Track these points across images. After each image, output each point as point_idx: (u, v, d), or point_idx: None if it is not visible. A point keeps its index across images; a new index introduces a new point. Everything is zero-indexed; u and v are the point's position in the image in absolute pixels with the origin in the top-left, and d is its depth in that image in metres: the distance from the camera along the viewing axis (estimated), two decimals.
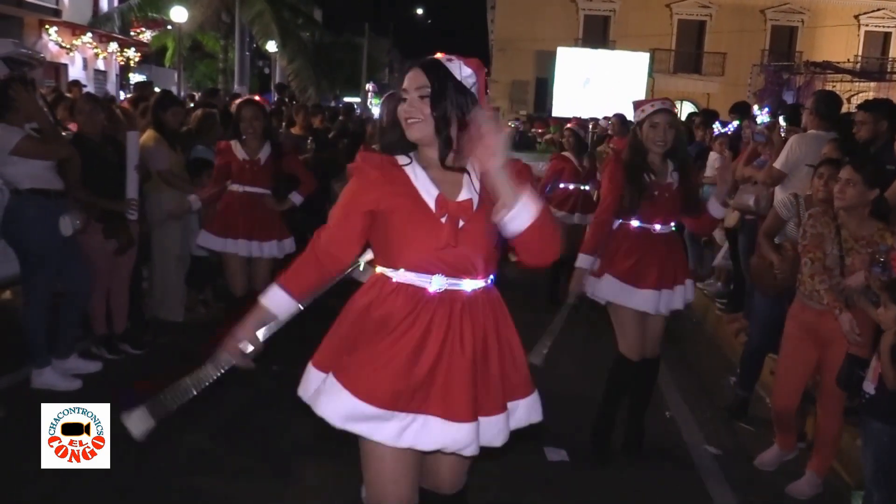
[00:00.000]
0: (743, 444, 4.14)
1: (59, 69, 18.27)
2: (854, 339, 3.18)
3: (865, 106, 4.88)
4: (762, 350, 4.54)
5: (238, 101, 4.61)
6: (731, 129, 7.32)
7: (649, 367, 3.77)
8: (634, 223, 3.57)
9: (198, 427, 3.79)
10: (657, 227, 3.57)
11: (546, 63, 27.41)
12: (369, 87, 20.30)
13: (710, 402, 4.73)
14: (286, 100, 12.75)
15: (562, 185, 6.81)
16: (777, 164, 4.84)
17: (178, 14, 19.56)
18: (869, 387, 3.00)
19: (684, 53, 29.70)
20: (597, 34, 29.51)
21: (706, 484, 3.65)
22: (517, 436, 2.13)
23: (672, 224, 3.65)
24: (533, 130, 14.46)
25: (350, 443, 2.07)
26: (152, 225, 5.27)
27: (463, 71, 2.00)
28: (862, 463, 3.19)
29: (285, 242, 4.67)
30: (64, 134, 5.43)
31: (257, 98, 4.90)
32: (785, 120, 6.31)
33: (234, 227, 4.49)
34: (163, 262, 5.53)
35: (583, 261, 3.59)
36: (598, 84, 25.67)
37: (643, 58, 26.80)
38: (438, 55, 2.03)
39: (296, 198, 4.77)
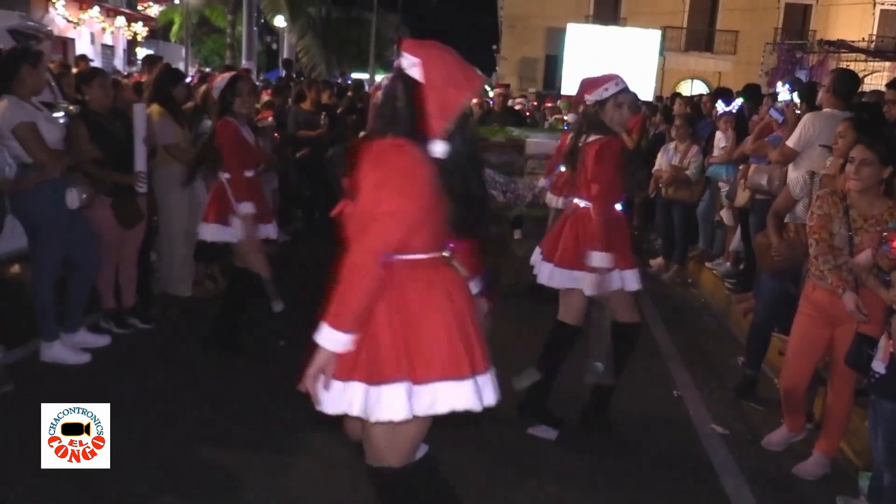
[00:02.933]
0: (751, 424, 4.14)
1: (66, 43, 18.20)
2: (860, 318, 3.16)
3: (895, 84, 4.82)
4: (767, 327, 4.53)
5: (227, 75, 4.46)
6: (736, 108, 7.21)
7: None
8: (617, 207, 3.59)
9: (205, 400, 3.82)
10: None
11: (556, 40, 27.12)
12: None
13: (718, 382, 4.72)
14: (294, 76, 12.68)
15: (563, 168, 6.52)
16: (790, 143, 4.78)
17: None
18: (879, 366, 2.98)
19: (696, 31, 29.34)
20: (608, 11, 29.15)
21: (713, 463, 3.65)
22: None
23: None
24: (543, 107, 14.34)
25: None
26: (159, 199, 5.26)
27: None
28: (870, 444, 3.18)
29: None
30: (72, 108, 5.42)
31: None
32: (799, 97, 6.22)
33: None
34: (170, 236, 5.54)
35: (602, 259, 3.46)
36: (609, 62, 25.44)
37: (654, 35, 26.42)
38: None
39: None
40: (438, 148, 2.00)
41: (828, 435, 3.59)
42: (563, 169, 6.26)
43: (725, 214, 6.82)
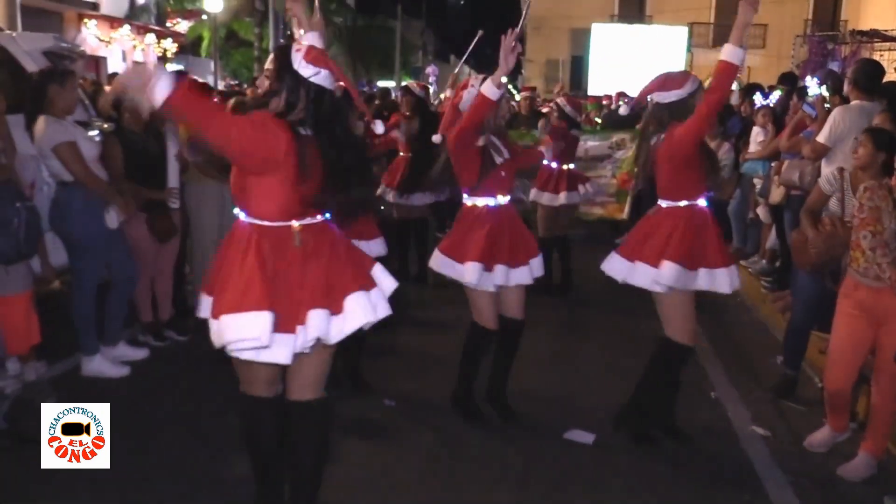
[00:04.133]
0: (792, 424, 4.06)
1: (98, 62, 18.56)
2: None
3: None
4: (805, 326, 4.46)
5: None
6: (775, 101, 7.10)
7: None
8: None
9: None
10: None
11: (581, 41, 27.01)
12: (429, 70, 20.16)
13: (756, 382, 4.65)
14: None
15: (545, 163, 6.17)
16: (820, 138, 4.69)
17: (213, 4, 19.63)
18: None
19: (724, 26, 28.88)
20: (633, 9, 28.93)
21: (755, 466, 3.59)
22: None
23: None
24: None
25: None
26: (192, 214, 5.33)
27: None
28: None
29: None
30: (106, 126, 5.52)
31: None
32: (828, 90, 6.10)
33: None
34: (202, 248, 5.60)
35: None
36: (636, 61, 25.22)
37: (681, 32, 26.24)
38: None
39: None
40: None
41: (874, 435, 3.51)
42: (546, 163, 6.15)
43: (761, 211, 6.72)
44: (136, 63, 2.88)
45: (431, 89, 12.46)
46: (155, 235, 4.69)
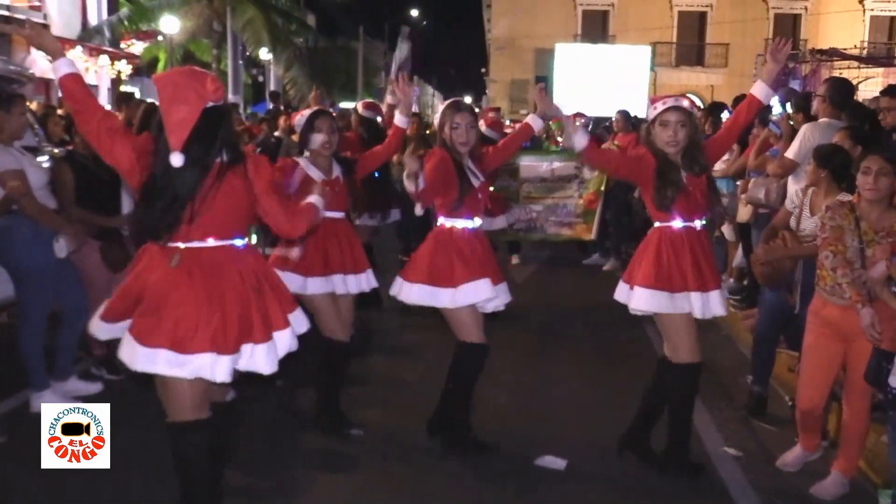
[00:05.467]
0: (764, 444, 4.10)
1: (48, 84, 18.27)
2: (872, 335, 3.14)
3: (890, 91, 4.86)
4: (770, 335, 4.56)
5: (307, 111, 4.05)
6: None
7: None
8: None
9: None
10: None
11: (546, 60, 27.40)
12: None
13: (728, 402, 4.70)
14: (282, 108, 12.75)
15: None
16: (789, 154, 4.80)
17: (169, 24, 19.54)
18: None
19: (686, 46, 29.67)
20: (596, 29, 29.51)
21: (728, 487, 3.61)
22: None
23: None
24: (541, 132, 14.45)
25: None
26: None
27: None
28: (889, 460, 3.15)
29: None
30: (56, 151, 5.42)
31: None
32: (792, 108, 6.26)
33: (323, 261, 3.91)
34: None
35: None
36: (600, 80, 25.64)
37: (644, 51, 26.77)
38: None
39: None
40: (175, 159, 2.52)
41: (846, 453, 3.56)
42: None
43: (726, 230, 6.83)
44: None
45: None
46: (108, 265, 4.59)
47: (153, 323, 2.53)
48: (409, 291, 3.72)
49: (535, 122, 4.07)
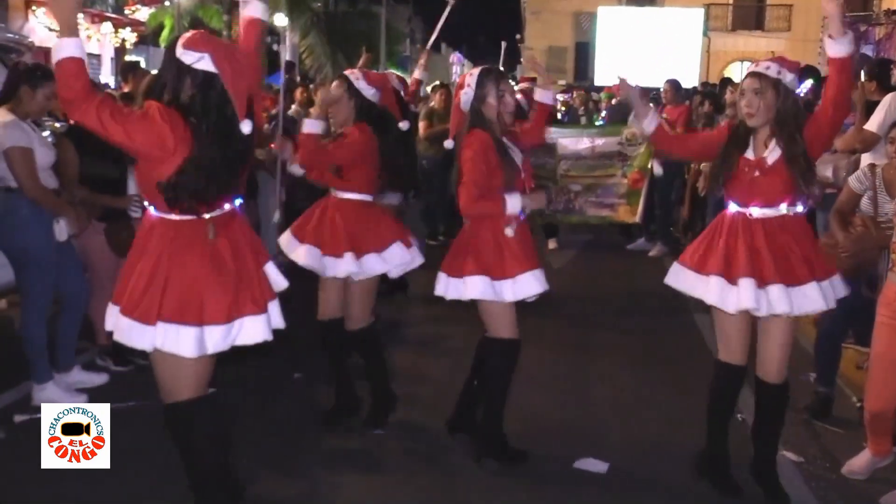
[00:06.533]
0: (827, 449, 4.06)
1: (48, 54, 18.54)
2: None
3: None
4: (835, 334, 4.48)
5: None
6: (804, 93, 7.12)
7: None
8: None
9: None
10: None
11: (586, 26, 27.16)
12: (453, 57, 20.04)
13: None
14: (298, 78, 12.79)
15: None
16: (871, 126, 4.70)
17: None
18: None
19: (744, 7, 29.18)
20: None
21: (789, 495, 3.58)
22: None
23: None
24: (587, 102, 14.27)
25: None
26: None
27: None
28: None
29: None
30: (57, 125, 5.50)
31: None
32: (865, 76, 6.12)
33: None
34: None
35: None
36: (647, 47, 25.34)
37: (696, 14, 26.45)
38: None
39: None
40: (246, 126, 2.68)
41: None
42: None
43: None
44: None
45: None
46: (113, 248, 4.65)
47: (188, 300, 2.70)
48: (472, 286, 3.60)
49: (543, 96, 4.07)
